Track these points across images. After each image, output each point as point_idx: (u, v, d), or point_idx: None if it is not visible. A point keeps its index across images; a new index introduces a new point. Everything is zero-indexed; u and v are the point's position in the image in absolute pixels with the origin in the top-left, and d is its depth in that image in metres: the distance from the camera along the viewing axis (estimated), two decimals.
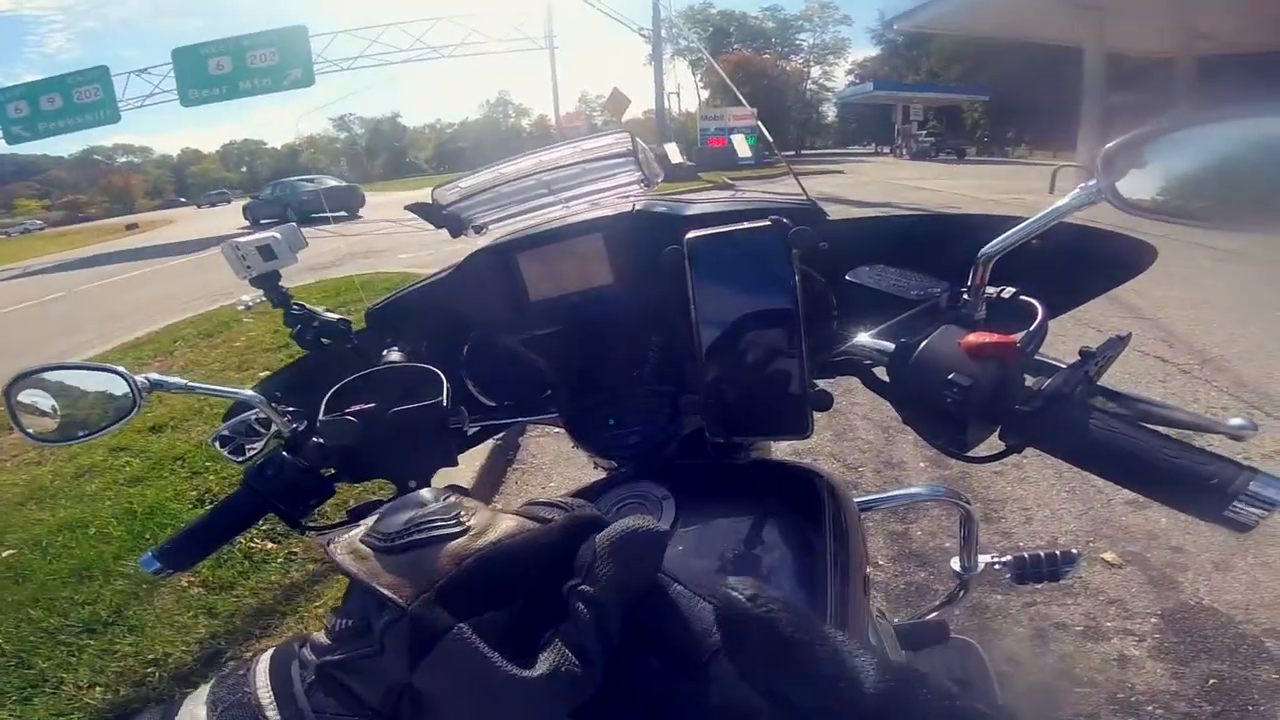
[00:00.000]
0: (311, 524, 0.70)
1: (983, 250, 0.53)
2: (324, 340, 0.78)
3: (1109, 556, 2.11)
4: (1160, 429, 0.44)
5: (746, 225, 0.58)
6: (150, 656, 1.86)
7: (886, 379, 0.56)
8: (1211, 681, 1.63)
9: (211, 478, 2.78)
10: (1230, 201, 0.47)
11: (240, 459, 0.75)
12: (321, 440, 0.66)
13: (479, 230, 0.83)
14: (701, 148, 25.31)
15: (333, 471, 0.68)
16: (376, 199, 23.02)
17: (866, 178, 19.31)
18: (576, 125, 32.63)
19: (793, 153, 41.99)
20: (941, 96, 38.60)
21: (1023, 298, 0.55)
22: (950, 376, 0.47)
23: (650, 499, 0.64)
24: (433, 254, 8.59)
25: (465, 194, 0.79)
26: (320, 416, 0.63)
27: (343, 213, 19.67)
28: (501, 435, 3.14)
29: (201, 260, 12.81)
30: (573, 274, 0.74)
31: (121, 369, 0.66)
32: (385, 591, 0.30)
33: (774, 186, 16.17)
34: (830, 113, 57.48)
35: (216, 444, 0.77)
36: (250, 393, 0.72)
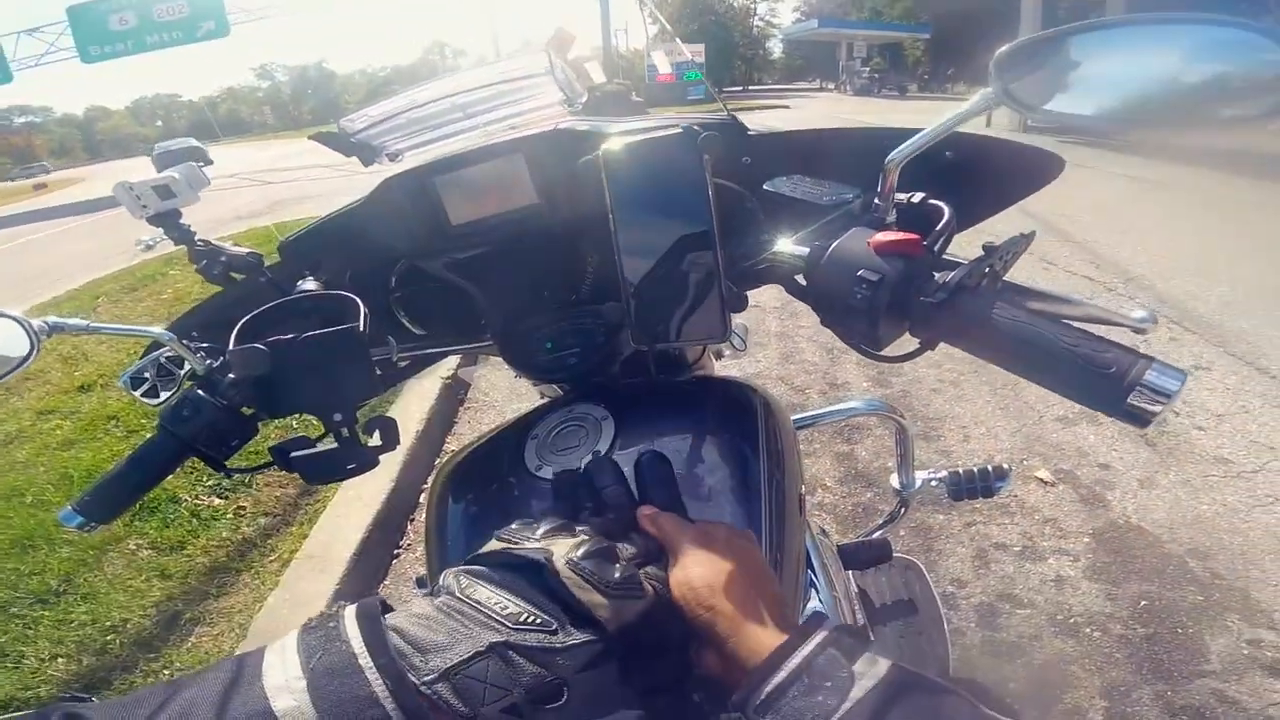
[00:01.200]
0: (236, 466, 0.67)
1: (890, 156, 0.54)
2: (234, 275, 0.74)
3: (1043, 474, 2.22)
4: (1066, 322, 0.45)
5: (659, 133, 0.58)
6: (108, 623, 1.82)
7: (805, 279, 0.57)
8: (1143, 603, 1.71)
9: (149, 434, 2.67)
10: (1117, 103, 0.48)
11: (155, 400, 0.72)
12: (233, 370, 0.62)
13: (393, 158, 0.80)
14: (650, 84, 24.86)
15: (253, 410, 0.66)
16: (310, 146, 21.72)
17: (810, 112, 19.24)
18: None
19: (740, 88, 41.22)
20: (884, 34, 38.46)
21: (931, 201, 0.57)
22: (859, 273, 0.49)
23: (589, 420, 0.66)
24: None
25: (375, 121, 0.76)
26: (230, 348, 0.60)
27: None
28: (452, 373, 3.12)
29: (120, 215, 11.87)
30: (495, 196, 0.72)
31: (16, 313, 0.61)
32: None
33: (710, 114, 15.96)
34: (777, 49, 56.60)
35: (127, 385, 0.73)
36: (160, 330, 0.68)
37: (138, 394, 0.73)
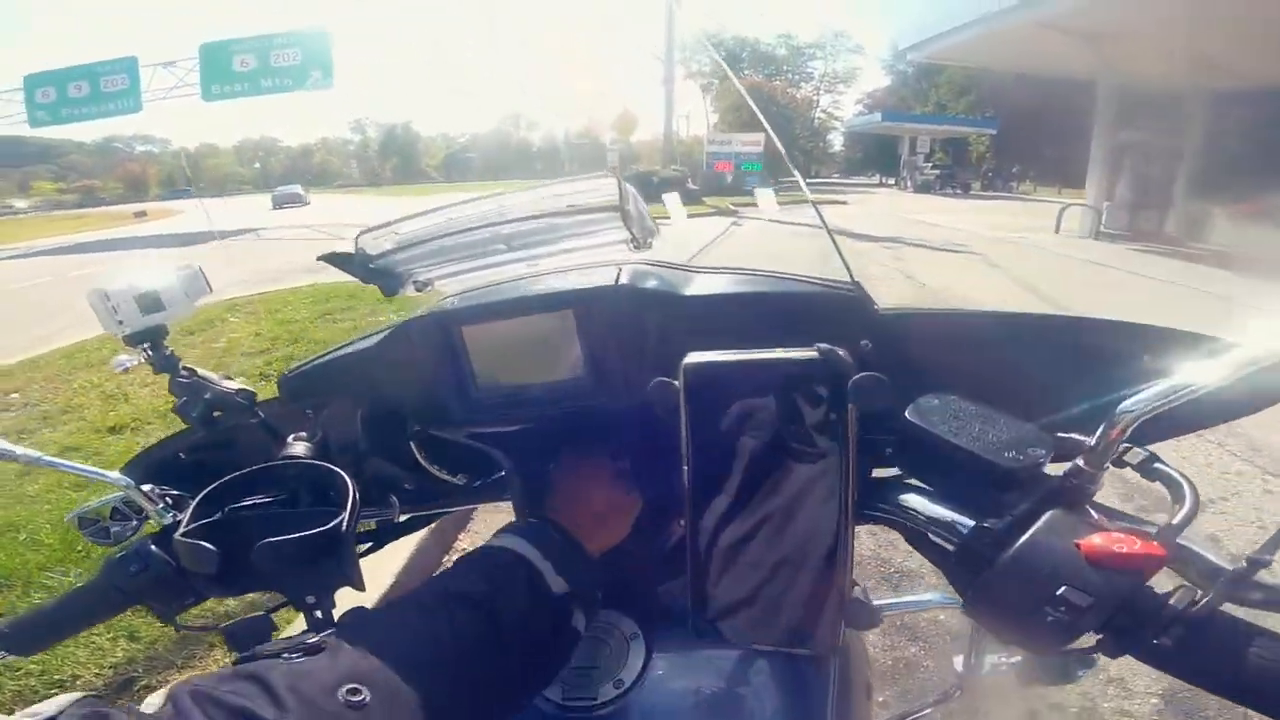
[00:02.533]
0: (186, 623, 0.60)
1: (1123, 405, 0.38)
2: (216, 415, 0.63)
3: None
4: None
5: (779, 354, 0.43)
6: (56, 677, 1.72)
7: (947, 552, 0.42)
8: None
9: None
10: None
11: (105, 542, 0.64)
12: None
13: (421, 288, 0.68)
14: (708, 172, 25.53)
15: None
16: (388, 202, 23.02)
17: (872, 209, 19.32)
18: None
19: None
20: (948, 128, 38.65)
21: (1163, 467, 0.40)
22: (1061, 591, 0.34)
23: (614, 635, 0.54)
24: None
25: (401, 243, 0.64)
26: (180, 531, 0.50)
27: None
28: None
29: (200, 252, 12.71)
30: (533, 359, 0.60)
31: None
32: None
33: (782, 214, 16.18)
34: (837, 142, 57.72)
35: (74, 523, 0.65)
36: (114, 475, 0.61)
37: (85, 533, 0.65)
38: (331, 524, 0.48)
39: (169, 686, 0.34)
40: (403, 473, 0.71)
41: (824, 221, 0.61)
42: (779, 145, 0.70)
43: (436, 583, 0.47)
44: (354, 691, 0.36)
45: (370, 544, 0.72)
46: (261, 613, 0.50)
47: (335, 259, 0.63)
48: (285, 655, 0.38)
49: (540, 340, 0.59)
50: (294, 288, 6.59)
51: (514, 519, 0.62)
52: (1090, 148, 13.32)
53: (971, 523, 0.40)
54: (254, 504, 0.54)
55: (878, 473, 0.52)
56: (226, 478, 0.54)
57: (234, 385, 0.64)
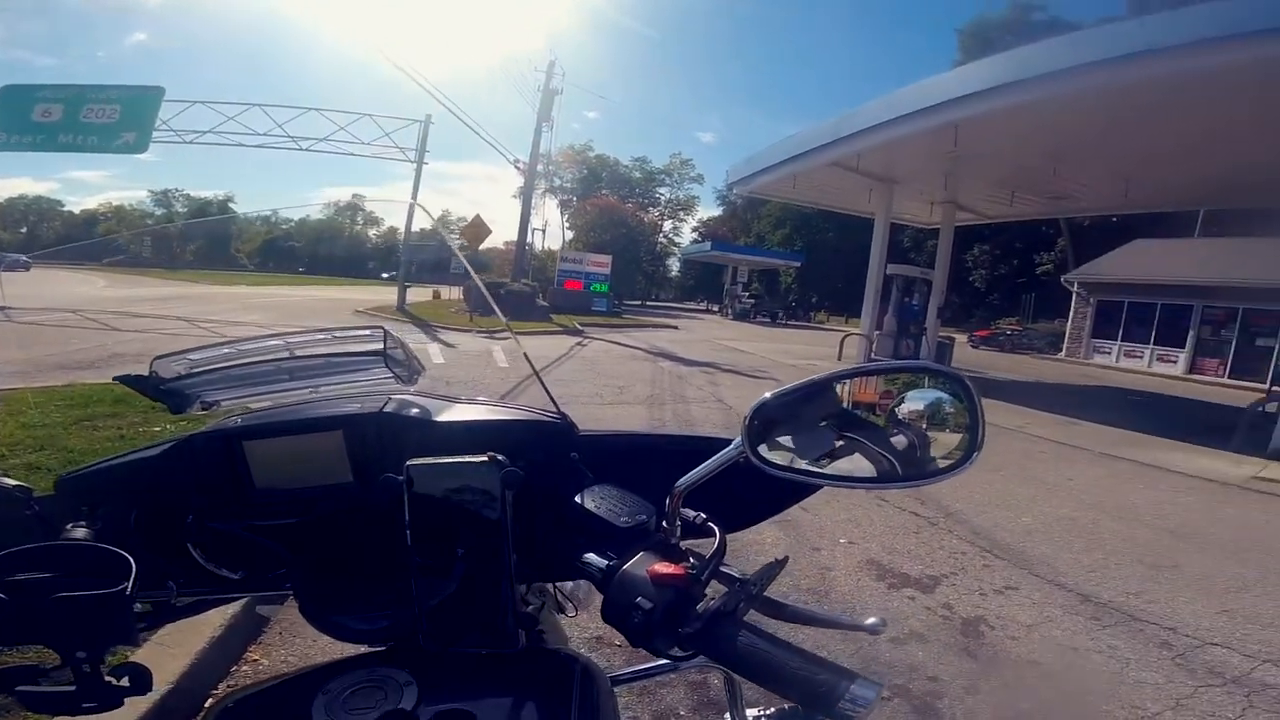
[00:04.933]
0: None
1: (678, 483, 0.65)
2: None
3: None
4: (806, 629, 0.56)
5: (464, 459, 0.65)
6: None
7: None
8: None
9: None
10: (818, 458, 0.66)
11: None
12: None
13: (207, 407, 0.80)
14: (558, 289, 26.24)
15: None
16: (181, 290, 20.53)
17: (696, 335, 21.18)
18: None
19: (639, 302, 44.39)
20: (764, 260, 42.74)
21: (708, 523, 0.66)
22: (637, 600, 0.56)
23: (389, 684, 0.63)
24: None
25: (194, 368, 0.77)
26: None
27: None
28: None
29: None
30: (308, 468, 0.74)
31: None
32: None
33: (621, 336, 17.19)
34: (675, 266, 60.76)
35: None
36: None
37: None
38: (119, 587, 0.55)
39: None
40: (178, 568, 0.75)
41: (548, 392, 0.84)
42: (486, 291, 0.95)
43: None
44: None
45: (146, 624, 0.75)
46: (35, 663, 0.54)
47: (129, 380, 0.73)
48: None
49: (313, 452, 0.73)
50: (47, 387, 5.59)
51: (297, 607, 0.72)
52: (864, 282, 15.53)
53: (604, 565, 0.62)
54: (30, 577, 0.56)
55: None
56: (8, 550, 0.57)
57: (10, 482, 0.68)
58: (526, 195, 26.17)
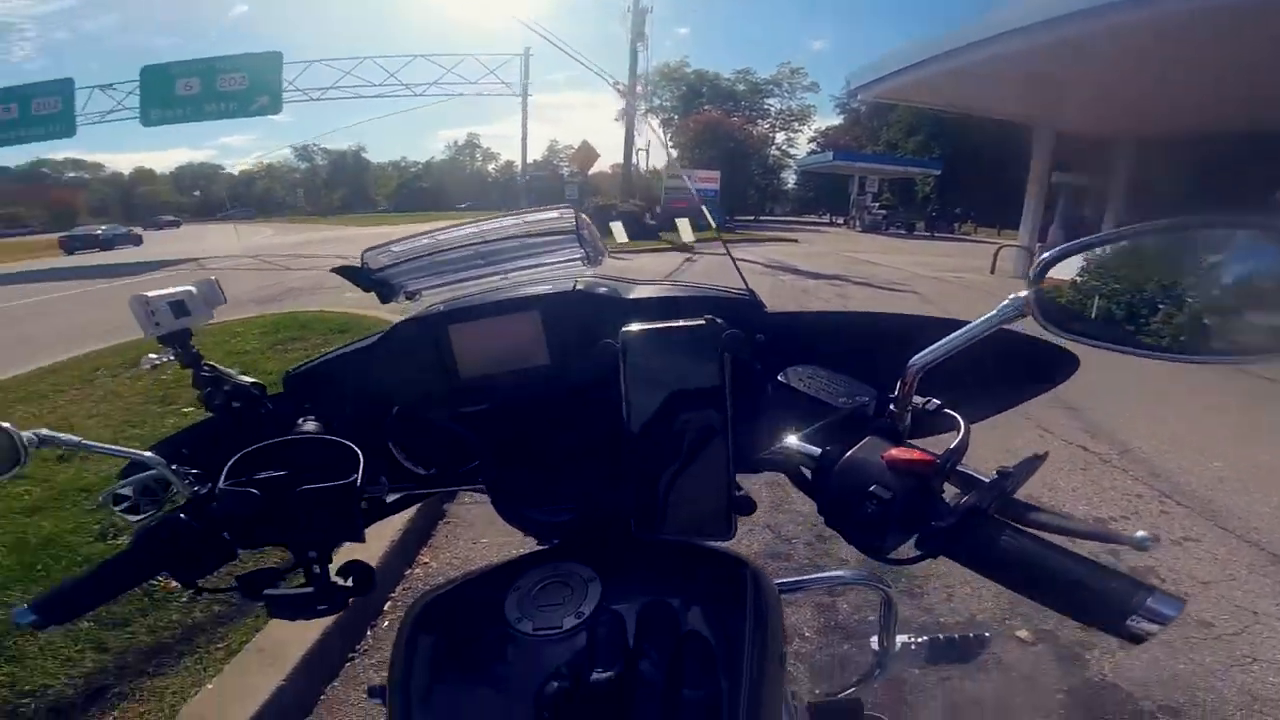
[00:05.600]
0: (208, 586, 0.66)
1: (912, 360, 0.55)
2: (235, 404, 0.74)
3: (1023, 634, 2.18)
4: (1072, 540, 0.46)
5: (681, 323, 0.60)
6: (26, 688, 1.73)
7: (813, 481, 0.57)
8: None
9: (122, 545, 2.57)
10: (1163, 327, 0.51)
11: (134, 517, 0.71)
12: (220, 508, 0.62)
13: (410, 296, 0.82)
14: (665, 207, 25.83)
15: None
16: (335, 233, 22.53)
17: (820, 249, 20.05)
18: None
19: (752, 217, 42.83)
20: (896, 169, 39.49)
21: (946, 410, 0.57)
22: (871, 489, 0.49)
23: (574, 579, 0.64)
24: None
25: (397, 259, 0.79)
26: (221, 483, 0.60)
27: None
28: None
29: (134, 285, 12.14)
30: (507, 351, 0.74)
31: (5, 424, 0.61)
32: None
33: (734, 251, 16.66)
34: (791, 179, 57.85)
35: (109, 502, 0.72)
36: (149, 454, 0.69)
37: (118, 509, 0.72)
38: (349, 479, 0.59)
39: None
40: (384, 464, 0.79)
41: (739, 271, 0.79)
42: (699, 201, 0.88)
43: None
44: None
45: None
46: (272, 567, 0.60)
47: (344, 271, 0.76)
48: None
49: (511, 335, 0.73)
50: (243, 319, 6.47)
51: (489, 502, 0.74)
52: (1024, 191, 13.92)
53: (819, 451, 0.56)
54: (271, 474, 0.61)
55: None
56: (252, 447, 0.63)
57: (248, 380, 0.75)
58: (629, 116, 25.95)
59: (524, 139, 26.31)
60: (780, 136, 55.34)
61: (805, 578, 1.04)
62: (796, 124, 55.46)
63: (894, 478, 0.49)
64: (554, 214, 0.78)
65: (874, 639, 1.09)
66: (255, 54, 21.25)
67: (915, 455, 0.50)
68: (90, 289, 13.03)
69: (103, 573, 0.62)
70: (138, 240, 33.38)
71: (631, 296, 0.76)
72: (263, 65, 20.90)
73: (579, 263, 0.82)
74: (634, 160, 27.77)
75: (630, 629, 0.57)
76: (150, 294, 0.70)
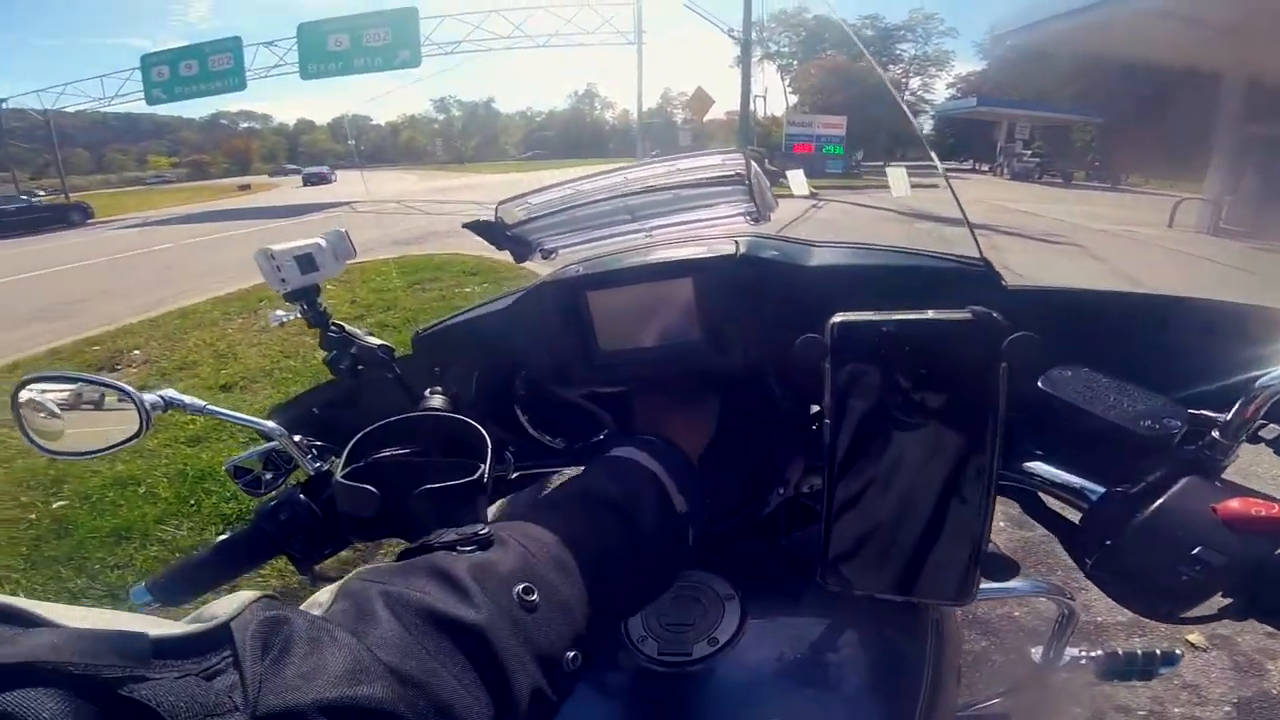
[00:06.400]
0: (322, 572, 0.63)
1: (1261, 382, 0.38)
2: (360, 368, 0.68)
3: (1194, 639, 1.90)
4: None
5: (931, 315, 0.44)
6: None
7: (1073, 519, 0.44)
8: None
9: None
10: None
11: (257, 492, 0.69)
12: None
13: (547, 255, 0.71)
14: (785, 153, 25.04)
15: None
16: (469, 180, 23.72)
17: (964, 196, 18.22)
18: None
19: (881, 163, 40.20)
20: (1049, 115, 35.81)
21: None
22: (1196, 551, 0.36)
23: (708, 594, 0.55)
24: None
25: (534, 213, 0.67)
26: (339, 474, 0.54)
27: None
28: None
29: (301, 224, 13.60)
30: (653, 323, 0.62)
31: (128, 387, 0.58)
32: None
33: (859, 197, 15.53)
34: (927, 125, 54.76)
35: (231, 472, 0.70)
36: (272, 425, 0.65)
37: (240, 483, 0.70)
38: (476, 475, 0.52)
39: (337, 584, 0.32)
40: (509, 434, 0.74)
41: (971, 229, 0.62)
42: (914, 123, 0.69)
43: (576, 485, 0.47)
44: (528, 590, 0.34)
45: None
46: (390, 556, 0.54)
47: (476, 227, 0.66)
48: (459, 547, 0.36)
49: (659, 305, 0.61)
50: (385, 259, 6.94)
51: None
52: (1211, 141, 12.06)
53: (1101, 489, 0.42)
54: (394, 454, 0.57)
55: None
56: (374, 425, 0.57)
57: (375, 341, 0.69)
58: (745, 61, 24.91)
59: (639, 85, 26.03)
60: (915, 82, 53.00)
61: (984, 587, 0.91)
62: (933, 69, 53.00)
63: (1233, 538, 0.36)
64: (716, 159, 0.63)
65: (1035, 650, 0.99)
66: (394, 9, 22.57)
67: (1267, 511, 0.36)
68: (269, 227, 14.53)
69: (221, 553, 0.60)
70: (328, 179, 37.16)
71: (813, 263, 0.60)
72: (402, 21, 22.22)
73: (740, 218, 0.66)
74: (752, 106, 26.62)
75: (775, 658, 0.49)
76: (276, 248, 0.65)
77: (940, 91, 52.97)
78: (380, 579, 0.32)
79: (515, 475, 0.76)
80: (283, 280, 0.65)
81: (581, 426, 0.72)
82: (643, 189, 0.66)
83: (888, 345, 0.44)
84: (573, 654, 0.35)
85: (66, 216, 20.96)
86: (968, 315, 0.42)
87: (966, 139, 46.32)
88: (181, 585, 0.60)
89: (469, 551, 0.36)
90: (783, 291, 0.58)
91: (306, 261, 0.66)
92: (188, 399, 0.61)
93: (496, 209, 0.67)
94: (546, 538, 0.39)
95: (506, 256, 0.71)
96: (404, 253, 7.32)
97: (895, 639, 0.52)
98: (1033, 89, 42.42)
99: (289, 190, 31.79)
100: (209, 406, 0.62)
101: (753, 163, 0.61)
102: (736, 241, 0.61)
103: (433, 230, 10.95)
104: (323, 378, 0.75)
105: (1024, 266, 6.87)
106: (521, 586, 0.34)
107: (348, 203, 19.63)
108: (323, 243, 0.67)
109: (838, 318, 0.45)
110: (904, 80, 51.83)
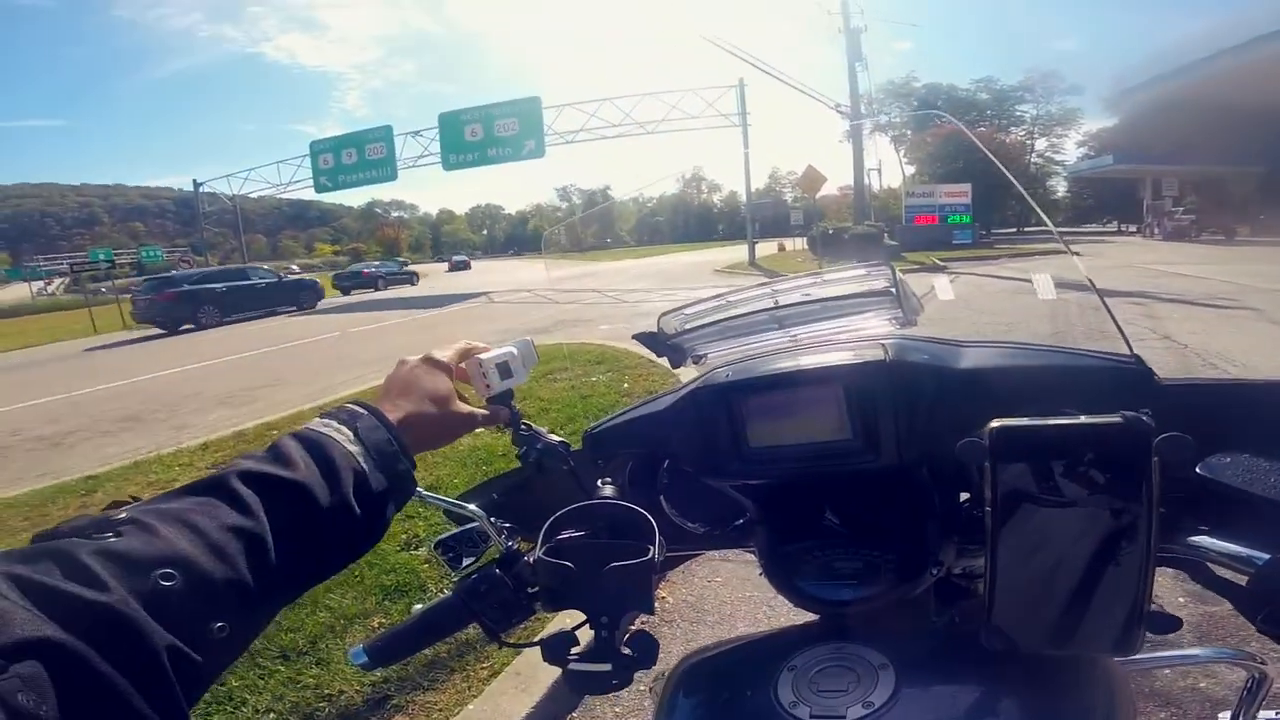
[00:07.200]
0: (509, 640, 0.70)
1: None
2: (544, 463, 0.79)
3: None
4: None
5: (1083, 420, 0.47)
6: (327, 692, 1.97)
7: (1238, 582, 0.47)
8: None
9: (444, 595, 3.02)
10: None
11: (455, 568, 0.78)
12: (534, 570, 0.66)
13: (697, 360, 0.80)
14: (906, 226, 24.45)
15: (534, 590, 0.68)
16: (588, 268, 25.11)
17: (1109, 260, 16.66)
18: None
19: (1014, 230, 37.82)
20: (1200, 169, 32.09)
21: None
22: None
23: (862, 664, 0.57)
24: (628, 326, 9.14)
25: (690, 323, 0.77)
26: (538, 552, 0.63)
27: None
28: None
29: (449, 314, 15.03)
30: (802, 423, 0.67)
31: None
32: None
33: (994, 268, 14.73)
34: (1060, 187, 50.77)
35: (438, 551, 0.80)
36: (473, 508, 0.75)
37: (444, 558, 0.80)
38: (648, 555, 0.58)
39: None
40: (657, 520, 0.81)
41: (1112, 315, 0.64)
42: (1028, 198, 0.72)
43: (254, 464, 0.47)
44: (166, 576, 0.36)
45: None
46: (569, 629, 0.61)
47: (643, 338, 0.77)
48: (93, 535, 0.37)
49: (809, 405, 0.67)
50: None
51: (757, 566, 0.70)
52: None
53: (1266, 555, 0.45)
54: (574, 535, 0.64)
55: None
56: (563, 511, 0.66)
57: (555, 439, 0.79)
58: (856, 136, 24.88)
59: (746, 166, 26.73)
60: (1041, 143, 50.26)
61: (1161, 654, 0.87)
62: (1059, 129, 49.87)
63: None
64: (861, 271, 0.69)
65: (1224, 715, 0.92)
66: (521, 99, 23.61)
67: None
68: (418, 318, 16.01)
69: (425, 622, 0.68)
70: (413, 279, 34.98)
71: (963, 365, 0.64)
72: (527, 111, 23.16)
73: (888, 322, 0.72)
74: (866, 180, 26.45)
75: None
76: (483, 356, 0.77)
77: (1070, 151, 49.86)
78: (3, 564, 0.33)
79: (663, 559, 0.83)
80: (488, 386, 0.77)
81: (720, 514, 0.77)
82: (790, 303, 0.73)
83: (1044, 448, 0.48)
84: (219, 624, 0.38)
85: (297, 298, 21.41)
86: (1119, 420, 0.46)
87: (1106, 199, 42.96)
88: (391, 650, 0.69)
89: (104, 538, 0.37)
90: (934, 396, 0.62)
91: (504, 369, 0.77)
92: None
93: (659, 320, 0.77)
94: (202, 521, 0.41)
95: (624, 344, 0.80)
96: (539, 342, 7.87)
97: (1057, 703, 0.52)
98: (1175, 140, 38.75)
99: (435, 278, 35.04)
100: (422, 493, 0.70)
101: (897, 271, 0.67)
102: (884, 345, 0.66)
103: (560, 319, 11.70)
104: (471, 465, 0.85)
105: (1190, 336, 6.16)
106: (160, 572, 0.36)
107: (484, 293, 21.34)
108: (515, 350, 0.79)
109: (995, 424, 0.49)
110: (1028, 142, 49.31)
